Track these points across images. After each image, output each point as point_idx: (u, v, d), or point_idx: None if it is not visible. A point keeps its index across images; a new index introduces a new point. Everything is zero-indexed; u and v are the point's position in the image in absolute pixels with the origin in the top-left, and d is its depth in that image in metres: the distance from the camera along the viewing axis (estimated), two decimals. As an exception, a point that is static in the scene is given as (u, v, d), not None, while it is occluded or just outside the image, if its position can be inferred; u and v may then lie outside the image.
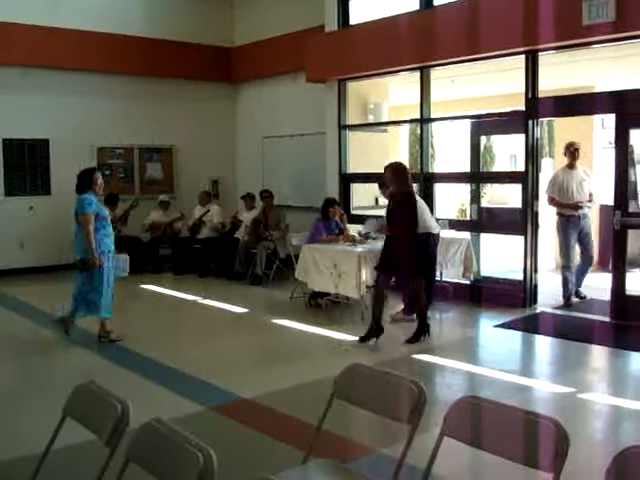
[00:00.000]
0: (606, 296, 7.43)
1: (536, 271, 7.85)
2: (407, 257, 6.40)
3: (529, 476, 2.56)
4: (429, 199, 8.31)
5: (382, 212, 7.65)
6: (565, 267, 7.84)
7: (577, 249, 8.00)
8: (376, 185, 8.02)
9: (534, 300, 7.85)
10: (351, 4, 9.62)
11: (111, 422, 2.42)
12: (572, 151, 7.91)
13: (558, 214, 7.99)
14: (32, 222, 10.68)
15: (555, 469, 2.15)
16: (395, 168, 6.68)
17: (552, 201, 7.97)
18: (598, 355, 6.33)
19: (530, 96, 7.55)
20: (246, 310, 8.12)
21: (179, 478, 2.13)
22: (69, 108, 10.85)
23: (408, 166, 7.44)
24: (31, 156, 10.72)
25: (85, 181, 6.51)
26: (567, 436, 2.18)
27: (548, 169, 13.78)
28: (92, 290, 6.47)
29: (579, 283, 8.12)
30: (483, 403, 2.48)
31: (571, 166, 7.93)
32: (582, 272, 8.08)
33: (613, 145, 7.24)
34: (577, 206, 7.78)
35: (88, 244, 6.30)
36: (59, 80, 10.69)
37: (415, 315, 6.77)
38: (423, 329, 6.54)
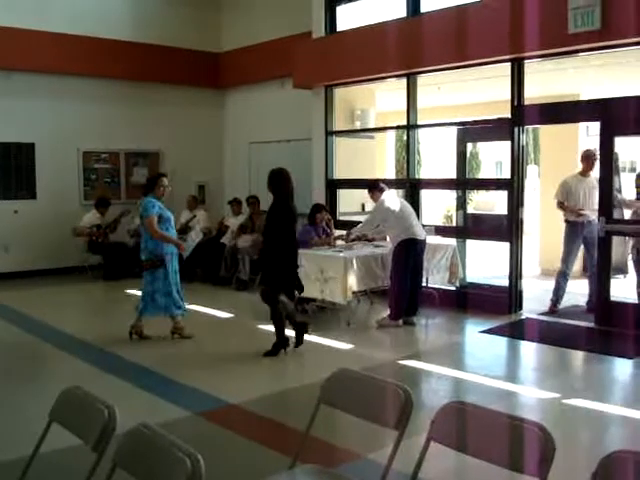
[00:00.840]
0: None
1: (521, 277, 7.89)
2: (266, 271, 6.21)
3: (515, 481, 2.57)
4: (415, 205, 8.33)
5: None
6: (560, 273, 7.79)
7: (579, 256, 7.86)
8: (362, 191, 8.04)
9: (519, 306, 7.89)
10: (338, 11, 9.64)
11: (98, 427, 2.39)
12: (592, 161, 7.69)
13: (565, 220, 7.88)
14: (17, 226, 10.60)
15: (541, 474, 2.16)
16: (272, 175, 6.22)
17: (560, 205, 7.87)
18: (583, 361, 6.39)
19: (516, 103, 7.60)
20: (232, 315, 8.11)
21: (166, 483, 2.12)
22: (55, 112, 10.80)
23: (394, 172, 7.40)
24: (16, 160, 10.65)
25: (151, 185, 6.63)
26: (553, 441, 2.19)
27: (533, 176, 13.89)
28: (158, 290, 6.57)
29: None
30: (469, 408, 2.49)
31: (584, 173, 7.82)
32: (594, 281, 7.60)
33: (598, 152, 7.29)
34: (579, 213, 7.70)
35: (163, 240, 6.46)
36: (45, 84, 10.64)
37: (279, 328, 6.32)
38: (282, 343, 6.26)
